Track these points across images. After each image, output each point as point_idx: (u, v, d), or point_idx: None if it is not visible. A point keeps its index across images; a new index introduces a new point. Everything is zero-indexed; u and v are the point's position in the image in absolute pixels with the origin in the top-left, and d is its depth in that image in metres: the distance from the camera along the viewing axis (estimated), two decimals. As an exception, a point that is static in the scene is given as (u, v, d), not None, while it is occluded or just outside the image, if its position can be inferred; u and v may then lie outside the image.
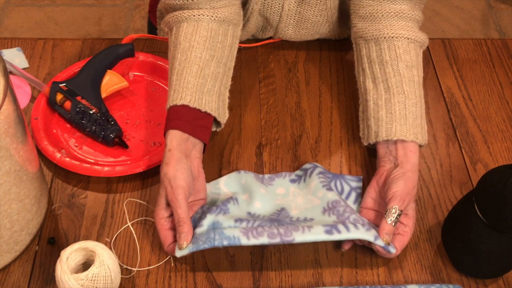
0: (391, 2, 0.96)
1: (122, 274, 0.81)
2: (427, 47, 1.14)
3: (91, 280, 0.74)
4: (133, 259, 0.84)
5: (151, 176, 0.93)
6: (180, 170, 0.82)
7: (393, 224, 0.82)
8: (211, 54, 0.91)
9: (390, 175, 0.86)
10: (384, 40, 0.94)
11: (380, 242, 0.80)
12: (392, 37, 0.94)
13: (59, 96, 0.97)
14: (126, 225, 0.87)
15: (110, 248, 0.84)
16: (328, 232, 0.79)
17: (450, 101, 1.06)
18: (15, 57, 1.07)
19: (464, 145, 1.00)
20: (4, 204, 0.76)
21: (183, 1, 0.94)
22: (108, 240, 0.85)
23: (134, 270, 0.83)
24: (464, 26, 2.48)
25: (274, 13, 1.06)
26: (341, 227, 0.80)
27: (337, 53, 1.13)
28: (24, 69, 1.06)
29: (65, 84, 0.98)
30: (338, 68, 1.10)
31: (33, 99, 1.02)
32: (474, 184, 0.94)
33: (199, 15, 0.93)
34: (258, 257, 0.85)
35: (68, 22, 2.42)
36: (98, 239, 0.85)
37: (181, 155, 0.83)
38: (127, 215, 0.88)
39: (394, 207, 0.82)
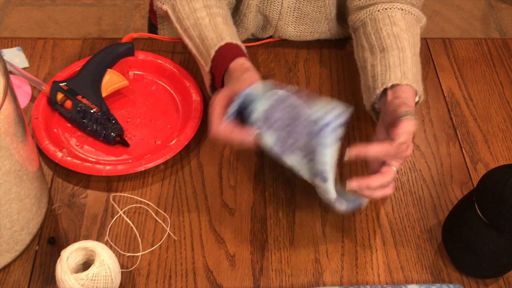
0: None
1: (126, 267, 0.81)
2: (428, 47, 1.14)
3: (91, 280, 0.74)
4: (134, 246, 0.84)
5: (151, 175, 0.93)
6: None
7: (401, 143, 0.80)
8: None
9: (397, 110, 0.83)
10: (379, 12, 0.97)
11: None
12: (386, 9, 0.97)
13: (60, 96, 0.97)
14: (118, 214, 0.87)
15: (109, 244, 0.84)
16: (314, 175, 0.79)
17: (450, 100, 1.06)
18: (15, 57, 1.07)
19: (464, 145, 1.00)
20: (4, 203, 0.76)
21: None
22: (109, 239, 0.85)
23: (139, 255, 0.83)
24: (465, 26, 2.48)
25: (273, 10, 1.06)
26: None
27: (337, 52, 1.12)
28: (24, 68, 1.06)
29: (65, 83, 0.98)
30: (338, 67, 1.10)
31: (33, 98, 1.02)
32: (475, 183, 0.94)
33: None
34: (259, 257, 0.85)
35: (68, 21, 2.42)
36: (98, 238, 0.85)
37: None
38: (118, 208, 0.88)
39: (400, 140, 0.79)
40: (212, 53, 0.90)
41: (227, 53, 0.89)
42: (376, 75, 0.90)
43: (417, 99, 0.89)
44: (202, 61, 0.92)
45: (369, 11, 0.98)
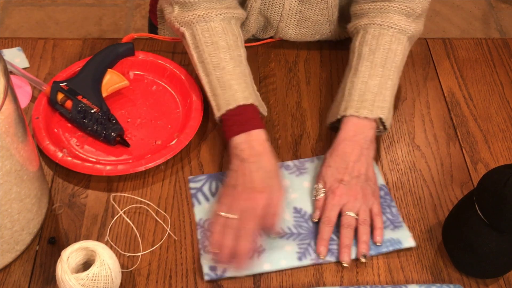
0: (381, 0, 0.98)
1: (126, 267, 0.81)
2: (428, 47, 1.14)
3: (92, 280, 0.74)
4: (134, 246, 0.84)
5: (152, 175, 0.93)
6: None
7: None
8: (238, 53, 0.95)
9: None
10: (360, 28, 0.99)
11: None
12: (366, 24, 0.98)
13: (60, 96, 0.97)
14: (118, 214, 0.87)
15: (110, 244, 0.84)
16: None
17: (450, 100, 1.06)
18: (16, 57, 1.07)
19: (464, 145, 1.00)
20: (5, 203, 0.76)
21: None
22: (109, 239, 0.85)
23: (139, 255, 0.83)
24: (465, 26, 2.48)
25: (275, 12, 1.06)
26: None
27: (338, 52, 1.12)
28: (24, 68, 1.06)
29: (65, 83, 0.98)
30: (338, 67, 1.10)
31: (33, 98, 1.02)
32: (475, 183, 0.94)
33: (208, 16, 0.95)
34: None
35: (68, 21, 2.42)
36: (98, 238, 0.85)
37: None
38: (118, 208, 0.88)
39: (316, 186, 0.89)
40: (233, 105, 0.89)
41: (248, 114, 0.89)
42: (336, 100, 0.96)
43: (373, 120, 0.91)
44: (214, 103, 0.92)
45: (355, 26, 1.01)
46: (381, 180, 0.93)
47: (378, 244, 0.84)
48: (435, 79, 1.09)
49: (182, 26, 0.97)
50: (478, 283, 0.84)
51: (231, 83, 0.91)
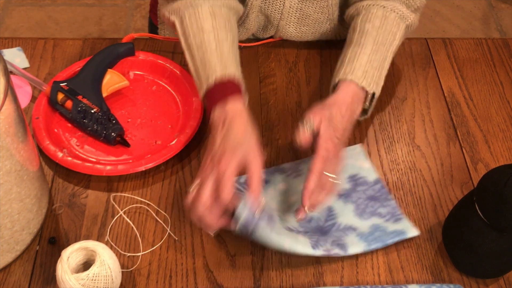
0: None
1: (126, 267, 0.81)
2: (428, 47, 1.14)
3: (92, 280, 0.74)
4: (134, 246, 0.84)
5: (152, 175, 0.93)
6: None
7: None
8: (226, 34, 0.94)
9: None
10: (363, 8, 1.00)
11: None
12: (370, 5, 0.99)
13: (60, 96, 0.97)
14: (119, 215, 0.87)
15: (110, 244, 0.84)
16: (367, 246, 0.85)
17: (450, 100, 1.06)
18: (16, 57, 1.07)
19: (464, 145, 0.99)
20: (5, 203, 0.76)
21: None
22: (109, 239, 0.85)
23: (139, 255, 0.83)
24: (465, 26, 2.48)
25: (275, 10, 1.06)
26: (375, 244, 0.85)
27: (338, 52, 1.12)
28: (24, 68, 1.06)
29: (66, 83, 0.98)
30: (338, 67, 1.10)
31: (33, 98, 1.02)
32: (475, 183, 0.94)
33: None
34: (259, 257, 0.85)
35: (68, 21, 2.42)
36: (98, 238, 0.85)
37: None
38: (118, 209, 0.88)
39: (307, 121, 0.86)
40: (211, 81, 0.88)
41: (224, 85, 0.87)
42: (335, 69, 0.95)
43: (364, 93, 0.92)
44: (198, 85, 0.91)
45: (356, 7, 1.01)
46: (374, 175, 0.93)
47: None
48: (435, 79, 1.09)
49: (172, 14, 0.97)
50: (478, 283, 0.84)
51: (211, 60, 0.90)
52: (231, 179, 0.78)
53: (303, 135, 0.86)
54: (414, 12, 1.00)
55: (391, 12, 0.98)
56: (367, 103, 0.94)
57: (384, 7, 0.98)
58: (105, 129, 0.94)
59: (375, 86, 0.93)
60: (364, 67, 0.92)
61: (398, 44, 0.99)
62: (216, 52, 0.90)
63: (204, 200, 0.78)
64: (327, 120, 0.86)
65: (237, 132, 0.82)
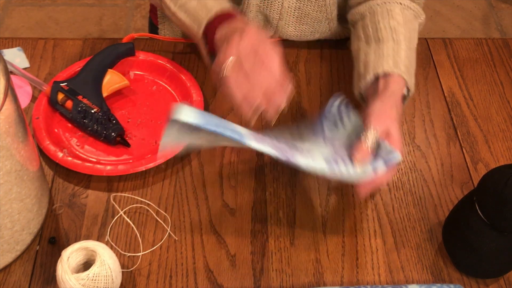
0: None
1: (127, 267, 0.81)
2: (428, 47, 1.14)
3: (92, 280, 0.74)
4: (135, 246, 0.84)
5: (152, 175, 0.93)
6: None
7: (369, 146, 0.80)
8: None
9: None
10: (378, 6, 0.98)
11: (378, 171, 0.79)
12: (385, 3, 0.97)
13: (60, 96, 0.97)
14: (119, 215, 0.87)
15: (110, 244, 0.84)
16: (328, 162, 0.77)
17: (451, 100, 1.06)
18: (16, 57, 1.07)
19: (465, 145, 1.00)
20: (5, 203, 0.76)
21: None
22: (109, 239, 0.85)
23: (139, 255, 0.83)
24: (465, 26, 2.48)
25: (274, 11, 1.06)
26: (340, 161, 0.78)
27: (338, 52, 1.12)
28: (25, 69, 1.06)
29: (66, 83, 0.98)
30: (339, 67, 1.10)
31: (34, 98, 1.02)
32: (475, 183, 0.94)
33: None
34: (259, 257, 0.85)
35: (68, 21, 2.42)
36: (99, 238, 0.85)
37: None
38: (119, 209, 0.88)
39: (370, 130, 0.80)
40: (212, 14, 0.89)
41: (224, 16, 0.89)
42: (369, 62, 0.92)
43: (405, 92, 0.90)
44: (195, 24, 0.92)
45: (369, 5, 0.99)
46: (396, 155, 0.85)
47: None
48: (435, 79, 1.09)
49: None
50: (478, 283, 0.84)
51: (206, 1, 0.91)
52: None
53: (363, 151, 0.80)
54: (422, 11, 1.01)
55: (408, 9, 0.97)
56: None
57: (401, 3, 0.97)
58: (105, 129, 0.94)
59: (412, 84, 0.91)
60: (404, 63, 0.90)
61: (416, 41, 0.98)
62: None
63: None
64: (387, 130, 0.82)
65: (253, 32, 0.83)
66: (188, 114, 0.71)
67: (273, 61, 0.81)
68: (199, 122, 0.71)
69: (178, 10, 0.95)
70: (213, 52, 0.91)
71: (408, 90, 0.91)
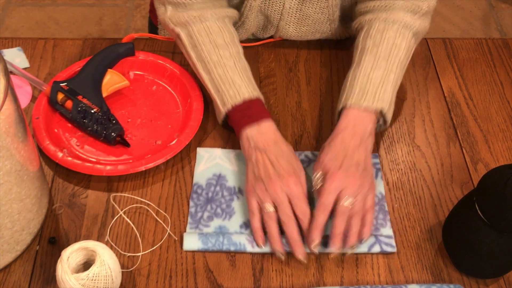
0: None
1: (126, 267, 0.81)
2: (428, 47, 1.14)
3: (92, 280, 0.74)
4: (134, 246, 0.84)
5: (152, 175, 0.93)
6: None
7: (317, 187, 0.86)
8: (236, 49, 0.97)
9: None
10: (365, 23, 1.00)
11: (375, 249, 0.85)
12: (371, 19, 0.99)
13: (60, 96, 0.97)
14: (119, 215, 0.87)
15: (110, 244, 0.84)
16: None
17: (450, 100, 1.06)
18: (16, 57, 1.07)
19: (465, 145, 1.00)
20: (5, 204, 0.76)
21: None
22: (109, 239, 0.85)
23: (139, 255, 0.83)
24: (465, 26, 2.48)
25: (275, 11, 1.06)
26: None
27: (338, 52, 1.12)
28: (24, 69, 1.06)
29: (66, 83, 0.98)
30: (339, 67, 1.10)
31: (34, 98, 1.02)
32: (475, 183, 0.94)
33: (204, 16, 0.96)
34: (259, 257, 0.85)
35: (68, 22, 2.42)
36: (98, 238, 0.85)
37: None
38: (118, 209, 0.88)
39: (315, 175, 0.87)
40: (239, 100, 0.91)
41: (255, 107, 0.91)
42: (343, 91, 0.95)
43: (374, 112, 0.91)
44: (218, 100, 0.93)
45: (360, 21, 1.01)
46: (381, 188, 0.92)
47: (363, 238, 0.84)
48: (435, 79, 1.09)
49: (176, 26, 0.97)
50: (478, 283, 0.84)
51: (235, 78, 0.92)
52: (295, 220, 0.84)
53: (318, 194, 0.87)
54: (422, 17, 0.99)
55: (393, 23, 0.96)
56: (381, 122, 0.95)
57: (385, 20, 0.97)
58: (105, 129, 0.94)
59: (380, 102, 0.91)
60: (364, 88, 0.92)
61: (407, 53, 0.97)
62: (236, 70, 0.93)
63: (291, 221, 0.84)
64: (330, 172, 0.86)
65: (286, 151, 0.88)
66: (193, 243, 0.84)
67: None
68: (204, 247, 0.84)
69: (199, 65, 0.96)
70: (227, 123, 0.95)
71: (382, 119, 0.94)
